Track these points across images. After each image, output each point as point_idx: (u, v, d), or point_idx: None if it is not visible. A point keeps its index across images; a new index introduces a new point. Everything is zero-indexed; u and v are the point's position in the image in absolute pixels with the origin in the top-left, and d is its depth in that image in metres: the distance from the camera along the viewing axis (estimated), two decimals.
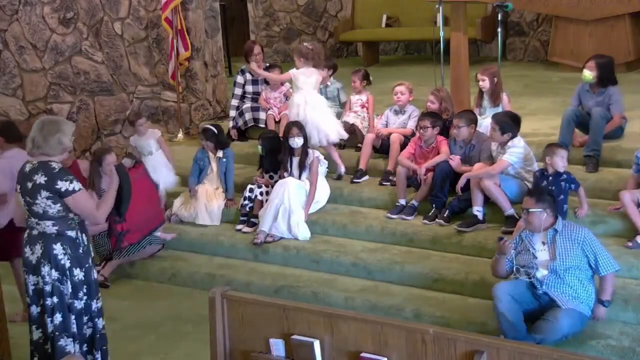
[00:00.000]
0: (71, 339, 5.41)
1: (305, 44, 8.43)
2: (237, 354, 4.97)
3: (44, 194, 5.23)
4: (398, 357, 4.50)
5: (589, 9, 10.73)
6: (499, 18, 8.42)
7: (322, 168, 7.95)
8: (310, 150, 7.86)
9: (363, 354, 4.57)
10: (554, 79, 10.80)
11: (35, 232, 5.33)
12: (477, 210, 7.11)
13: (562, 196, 6.62)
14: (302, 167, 7.82)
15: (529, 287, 5.89)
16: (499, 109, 7.80)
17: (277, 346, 4.82)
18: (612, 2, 10.64)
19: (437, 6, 8.69)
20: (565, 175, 6.71)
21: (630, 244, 6.56)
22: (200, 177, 8.39)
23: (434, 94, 8.02)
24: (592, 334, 5.86)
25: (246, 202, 7.97)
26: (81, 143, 10.54)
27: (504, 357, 4.23)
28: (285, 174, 7.89)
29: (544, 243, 5.88)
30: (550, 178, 6.71)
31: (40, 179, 5.22)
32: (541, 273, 5.83)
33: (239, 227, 7.97)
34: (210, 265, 7.69)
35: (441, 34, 8.85)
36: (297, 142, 7.78)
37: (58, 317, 5.37)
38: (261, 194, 7.92)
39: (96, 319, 5.55)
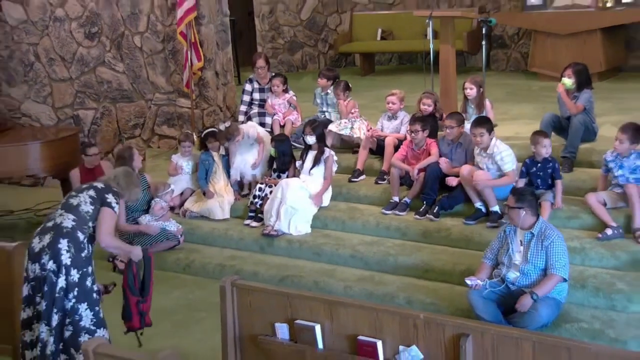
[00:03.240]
0: (47, 328, 5.14)
1: (223, 127, 8.40)
2: (246, 337, 4.98)
3: (91, 192, 5.29)
4: (392, 340, 4.51)
5: (564, 25, 10.76)
6: (484, 32, 8.43)
7: (334, 167, 7.95)
8: (326, 149, 7.88)
9: (360, 337, 4.58)
10: (534, 87, 10.80)
11: (50, 224, 5.21)
12: (480, 205, 7.11)
13: (549, 180, 6.88)
14: (316, 161, 7.81)
15: (499, 282, 5.86)
16: (483, 115, 7.80)
17: (282, 330, 4.83)
18: (585, 18, 10.68)
19: (427, 21, 8.72)
20: (551, 163, 6.88)
21: (600, 235, 6.59)
22: (207, 177, 8.40)
23: (428, 97, 8.01)
24: (566, 318, 5.87)
25: (256, 200, 7.96)
26: (104, 145, 10.57)
27: (487, 340, 4.24)
28: (298, 164, 7.93)
29: (521, 243, 5.83)
30: (539, 164, 6.88)
31: (100, 185, 5.37)
32: (513, 274, 5.79)
33: (247, 222, 7.96)
34: (220, 256, 7.69)
35: (431, 46, 8.85)
36: (308, 139, 7.82)
37: (42, 305, 5.14)
38: (271, 192, 7.91)
39: (79, 324, 5.17)
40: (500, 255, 5.93)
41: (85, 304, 5.19)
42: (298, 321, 4.75)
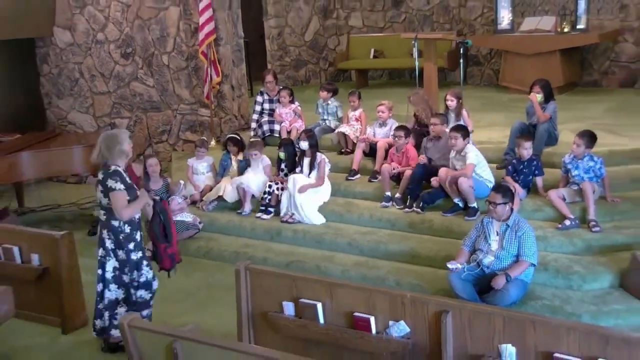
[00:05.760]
0: (102, 304, 5.41)
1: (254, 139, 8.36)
2: (258, 314, 4.98)
3: (100, 188, 5.25)
4: (383, 316, 4.51)
5: (529, 46, 10.76)
6: (461, 52, 8.39)
7: (327, 168, 7.87)
8: (318, 154, 7.83)
9: (356, 314, 4.58)
10: (504, 99, 10.75)
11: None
12: (458, 200, 7.08)
13: (531, 177, 6.94)
14: (311, 166, 7.78)
15: (475, 267, 5.85)
16: (461, 122, 7.78)
17: (289, 308, 4.83)
18: (546, 41, 10.69)
19: (413, 42, 8.70)
20: (535, 162, 6.94)
21: (560, 226, 6.61)
22: (224, 173, 8.44)
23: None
24: (531, 296, 5.87)
25: (266, 195, 7.93)
26: (137, 149, 10.55)
27: (465, 315, 4.25)
28: (297, 169, 7.85)
29: (497, 233, 5.80)
30: (525, 162, 6.92)
31: (100, 176, 5.26)
32: (488, 259, 5.76)
33: (259, 215, 7.93)
34: (235, 244, 7.65)
35: (416, 63, 8.85)
36: (302, 144, 7.77)
37: (99, 287, 5.40)
38: (278, 189, 7.89)
39: (140, 290, 5.46)
40: (477, 243, 5.91)
41: (135, 271, 5.41)
42: (302, 300, 4.75)
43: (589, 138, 6.74)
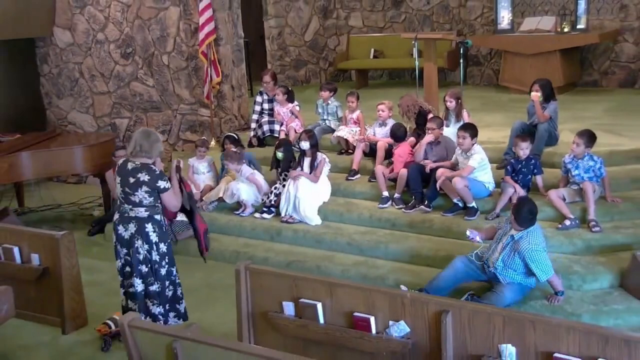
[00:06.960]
0: (157, 302, 5.52)
1: (232, 150, 8.23)
2: (258, 313, 4.98)
3: (145, 188, 5.31)
4: (383, 316, 4.51)
5: (529, 46, 10.76)
6: (461, 52, 8.40)
7: (326, 168, 7.88)
8: (319, 154, 7.83)
9: (356, 314, 4.58)
10: (504, 99, 10.75)
11: (126, 214, 5.40)
12: (457, 200, 7.07)
13: (530, 176, 6.92)
14: (312, 166, 7.76)
15: (478, 260, 5.89)
16: (461, 123, 7.77)
17: (289, 307, 4.83)
18: (546, 41, 10.68)
19: (413, 42, 8.70)
20: (533, 161, 6.94)
21: (560, 226, 6.60)
22: (222, 174, 8.45)
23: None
24: (531, 295, 5.86)
25: (271, 194, 7.90)
26: None
27: (464, 315, 4.24)
28: (298, 169, 7.81)
29: (511, 237, 5.76)
30: (524, 162, 6.91)
31: (144, 177, 5.30)
32: (490, 260, 5.79)
33: (260, 214, 7.94)
34: (236, 244, 7.65)
35: (416, 63, 8.85)
36: (303, 145, 7.76)
37: (152, 280, 5.47)
38: (277, 188, 7.88)
39: (176, 282, 5.67)
40: (495, 236, 5.94)
41: (174, 268, 5.61)
42: (302, 300, 4.74)
43: (589, 137, 6.74)
